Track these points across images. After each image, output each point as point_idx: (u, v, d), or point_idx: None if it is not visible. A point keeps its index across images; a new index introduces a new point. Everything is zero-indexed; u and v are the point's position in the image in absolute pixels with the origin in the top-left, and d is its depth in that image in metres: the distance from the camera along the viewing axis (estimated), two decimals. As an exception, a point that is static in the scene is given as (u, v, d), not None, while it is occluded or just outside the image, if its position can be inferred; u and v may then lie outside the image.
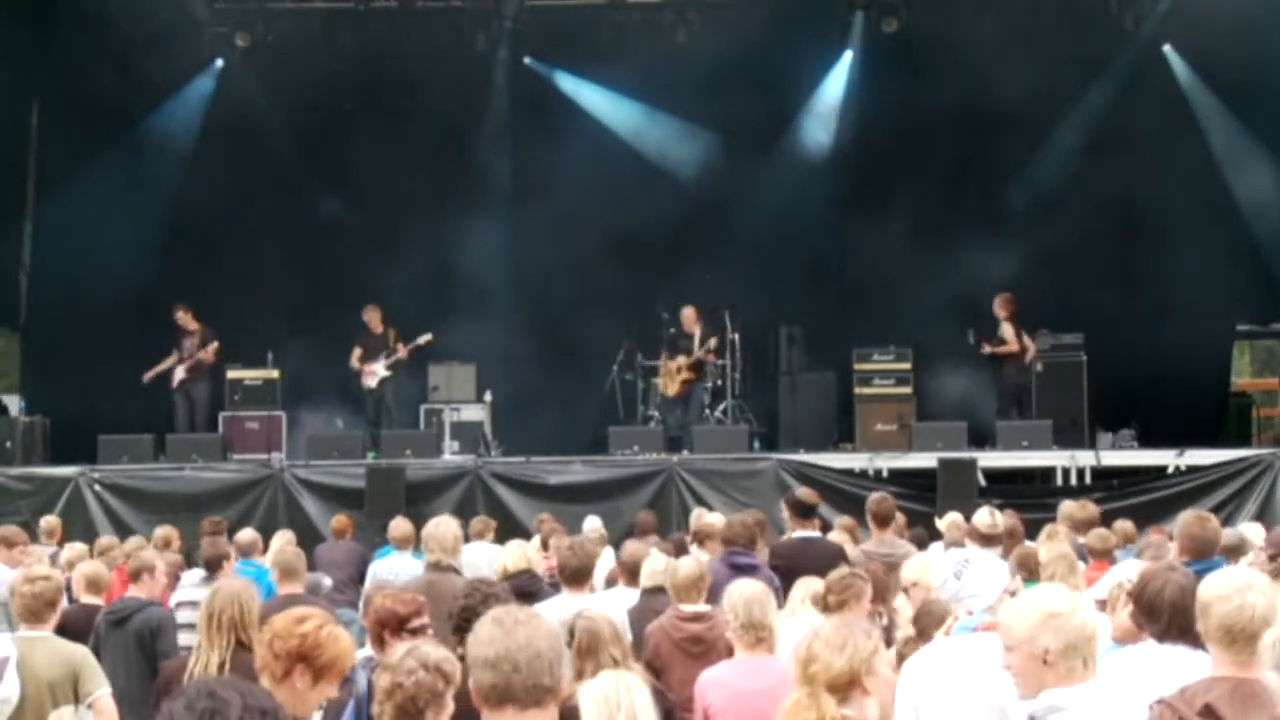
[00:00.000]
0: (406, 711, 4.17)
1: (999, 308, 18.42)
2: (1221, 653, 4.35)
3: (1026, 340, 18.28)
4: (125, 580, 9.32)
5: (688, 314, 18.74)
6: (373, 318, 18.78)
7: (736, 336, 18.88)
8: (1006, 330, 18.32)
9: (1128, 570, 7.29)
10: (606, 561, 10.37)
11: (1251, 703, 4.25)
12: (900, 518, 11.85)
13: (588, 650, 5.73)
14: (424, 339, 18.48)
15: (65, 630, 7.40)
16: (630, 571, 8.82)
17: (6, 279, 19.11)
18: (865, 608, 6.89)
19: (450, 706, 4.24)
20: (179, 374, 18.43)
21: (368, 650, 5.95)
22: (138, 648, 8.20)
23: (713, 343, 18.48)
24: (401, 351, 18.54)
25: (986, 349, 18.30)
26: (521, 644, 3.57)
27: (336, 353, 18.91)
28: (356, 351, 18.71)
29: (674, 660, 7.44)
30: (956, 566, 5.72)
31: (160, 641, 8.22)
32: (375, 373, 18.60)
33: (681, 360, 18.67)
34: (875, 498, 11.06)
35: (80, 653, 6.94)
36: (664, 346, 18.93)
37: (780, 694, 6.15)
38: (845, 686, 4.48)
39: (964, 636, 5.49)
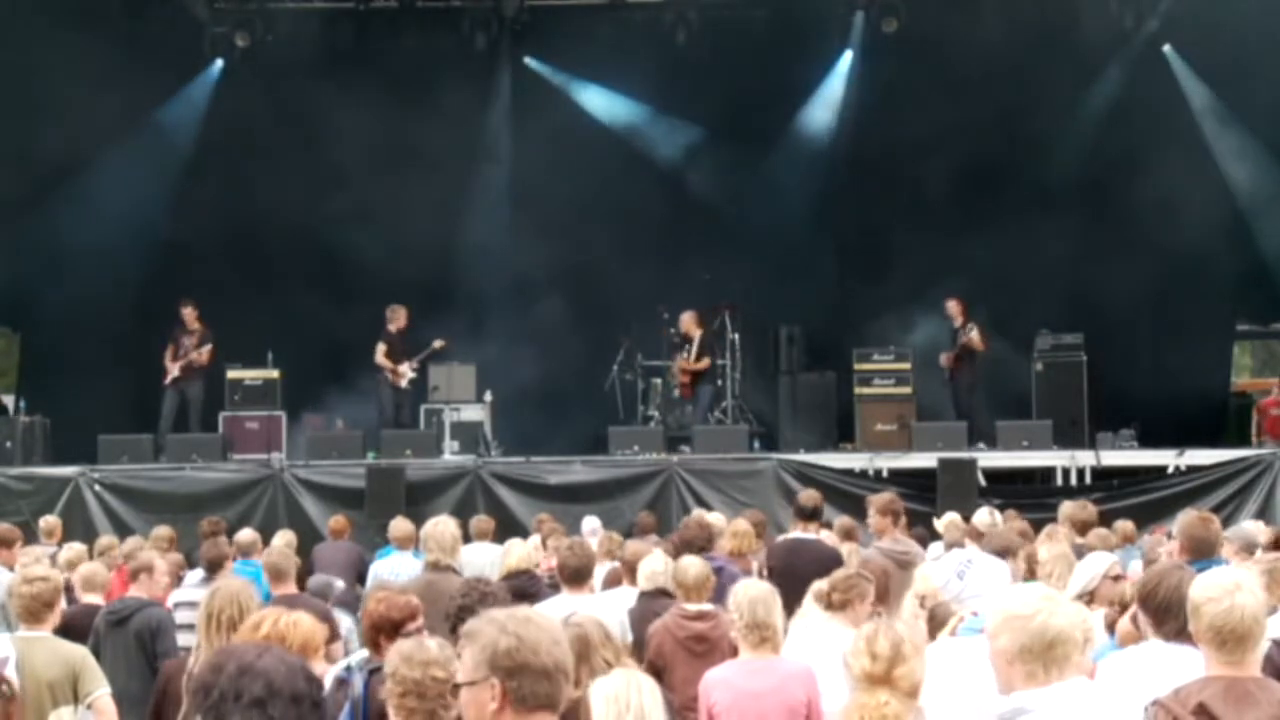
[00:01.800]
0: (429, 710, 4.17)
1: (956, 313, 18.20)
2: (1214, 653, 4.34)
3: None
4: (125, 580, 9.30)
5: (686, 318, 18.68)
6: (398, 317, 18.62)
7: (736, 336, 18.88)
8: (974, 333, 18.05)
9: (1097, 566, 7.27)
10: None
11: (1245, 701, 4.25)
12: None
13: (579, 656, 5.70)
14: (438, 343, 18.41)
15: (67, 630, 7.40)
16: (633, 571, 8.81)
17: (7, 279, 19.09)
18: (868, 609, 6.87)
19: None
20: (173, 370, 18.39)
21: (364, 652, 5.93)
22: (138, 648, 8.19)
23: (691, 358, 18.49)
24: (407, 368, 18.45)
25: (947, 359, 18.17)
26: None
27: (336, 353, 18.89)
28: (381, 348, 18.43)
29: (677, 659, 7.42)
30: (959, 567, 5.72)
31: (160, 642, 8.21)
32: (406, 373, 18.50)
33: (678, 365, 18.69)
34: (886, 497, 10.96)
35: (80, 653, 6.94)
36: (669, 349, 18.93)
37: (784, 694, 6.15)
38: (917, 692, 4.43)
39: (968, 637, 5.48)
